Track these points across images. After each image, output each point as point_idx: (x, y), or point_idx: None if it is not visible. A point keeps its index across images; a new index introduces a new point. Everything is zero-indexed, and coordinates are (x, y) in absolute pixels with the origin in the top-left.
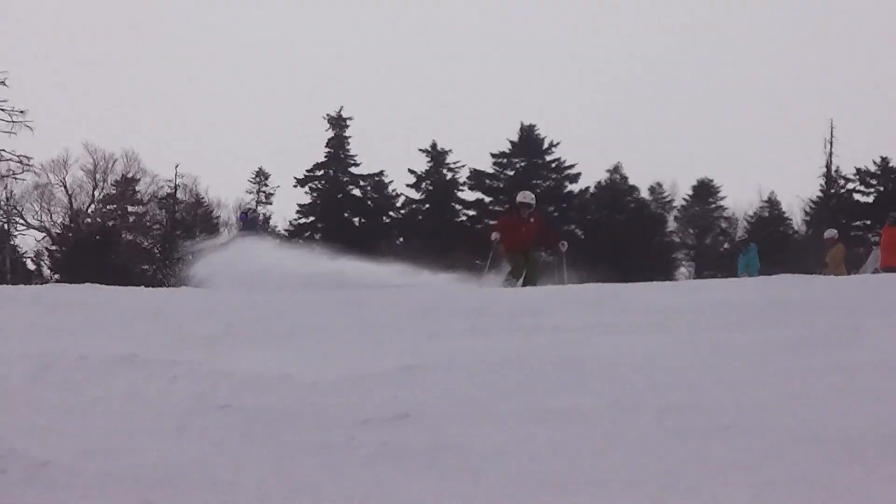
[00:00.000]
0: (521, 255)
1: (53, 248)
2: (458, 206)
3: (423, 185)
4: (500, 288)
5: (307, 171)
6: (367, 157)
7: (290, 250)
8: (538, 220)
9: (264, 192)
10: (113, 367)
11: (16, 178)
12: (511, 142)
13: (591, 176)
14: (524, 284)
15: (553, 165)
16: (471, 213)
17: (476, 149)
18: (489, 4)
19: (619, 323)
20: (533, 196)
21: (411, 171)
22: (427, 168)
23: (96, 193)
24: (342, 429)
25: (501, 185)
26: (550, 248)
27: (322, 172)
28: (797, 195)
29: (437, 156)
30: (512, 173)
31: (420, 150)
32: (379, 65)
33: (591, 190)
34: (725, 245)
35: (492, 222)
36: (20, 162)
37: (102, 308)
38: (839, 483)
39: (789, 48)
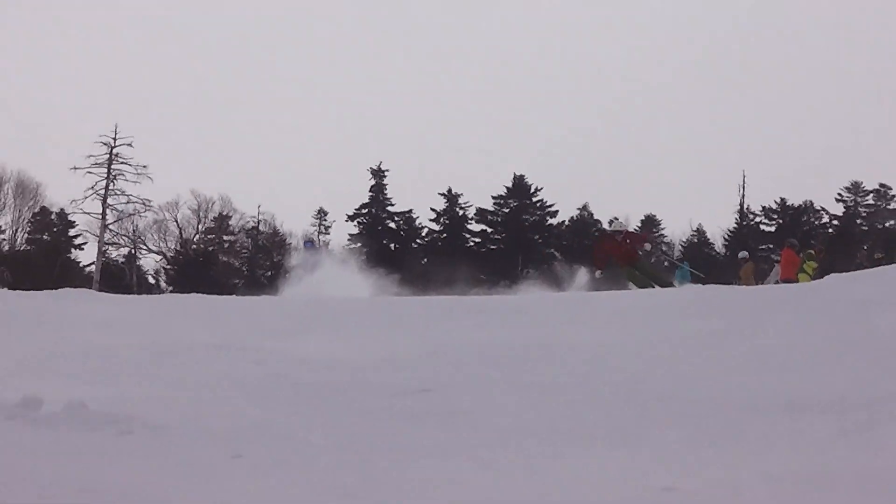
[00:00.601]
0: (628, 267)
1: (168, 267)
2: (467, 235)
3: (442, 219)
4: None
5: (355, 209)
6: (399, 198)
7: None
8: (630, 238)
9: (324, 224)
10: (212, 353)
11: (140, 216)
12: (506, 187)
13: (566, 212)
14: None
15: (538, 204)
16: (477, 240)
17: (481, 192)
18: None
19: (587, 319)
20: (621, 223)
21: (433, 209)
22: (444, 206)
23: (199, 227)
24: (381, 398)
25: (499, 220)
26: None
27: (366, 210)
28: (718, 226)
29: (451, 198)
30: (507, 211)
31: (440, 193)
32: (409, 127)
33: (566, 223)
34: (665, 263)
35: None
36: (143, 203)
37: (204, 310)
38: (745, 435)
39: (712, 114)
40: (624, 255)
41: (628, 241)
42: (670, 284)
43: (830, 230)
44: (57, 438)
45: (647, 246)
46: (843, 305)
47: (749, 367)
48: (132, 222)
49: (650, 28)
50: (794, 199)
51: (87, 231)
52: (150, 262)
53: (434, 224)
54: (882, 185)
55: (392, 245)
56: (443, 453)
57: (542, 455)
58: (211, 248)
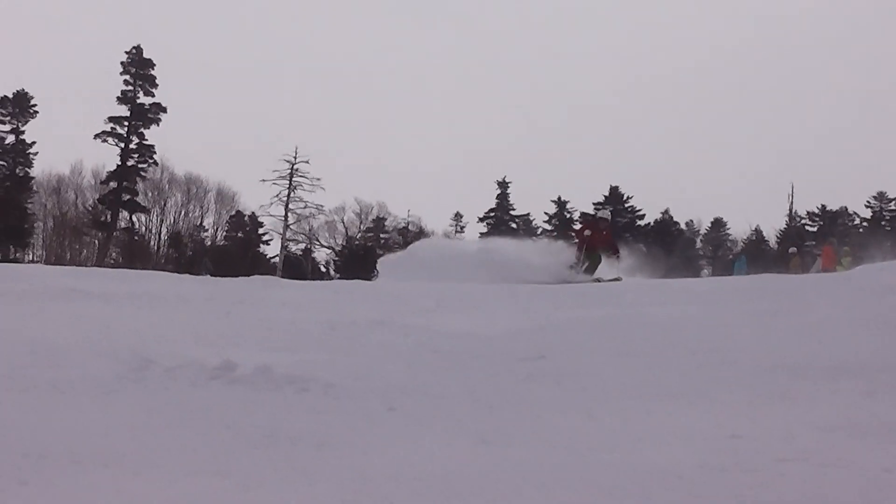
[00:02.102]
0: (594, 253)
1: (336, 259)
2: (573, 234)
3: (553, 221)
4: (581, 275)
5: (485, 213)
6: (519, 204)
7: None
8: (608, 233)
9: (460, 225)
10: (371, 327)
11: (314, 218)
12: (604, 195)
13: (651, 215)
14: (588, 272)
15: (629, 209)
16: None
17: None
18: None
19: (668, 300)
20: (609, 215)
21: (546, 213)
22: (555, 211)
23: (361, 226)
24: (504, 364)
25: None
26: (612, 255)
27: (493, 214)
28: (772, 226)
29: (560, 204)
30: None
31: (551, 200)
32: (528, 144)
33: (651, 224)
34: (730, 256)
35: (578, 227)
36: (317, 208)
37: (365, 293)
38: (794, 394)
39: (766, 132)
40: (602, 243)
41: (605, 233)
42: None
43: (861, 230)
44: (248, 394)
45: (619, 259)
46: (870, 290)
47: (796, 339)
48: (308, 223)
49: (708, 56)
50: (832, 205)
51: (272, 230)
52: (322, 254)
53: (547, 225)
54: None
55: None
56: (555, 408)
57: (635, 410)
58: (370, 244)
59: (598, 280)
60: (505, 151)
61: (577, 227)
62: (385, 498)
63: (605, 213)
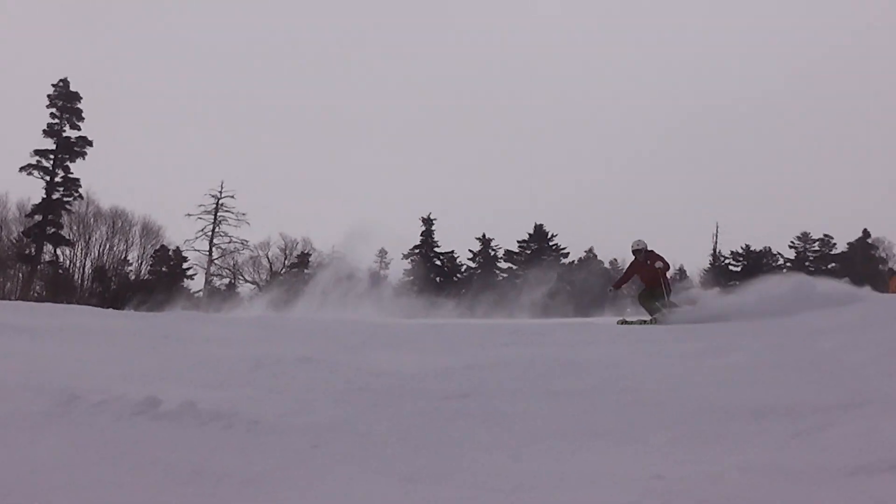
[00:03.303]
0: (649, 292)
1: (260, 293)
2: (497, 272)
3: (477, 258)
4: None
5: (409, 249)
6: (444, 241)
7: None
8: (652, 258)
9: (384, 262)
10: (297, 364)
11: (239, 253)
12: (529, 234)
13: (575, 253)
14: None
15: (553, 248)
16: (505, 275)
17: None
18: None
19: (595, 339)
20: (640, 241)
21: (471, 251)
22: (479, 248)
23: (286, 262)
24: (431, 401)
25: (523, 260)
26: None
27: (418, 251)
28: (696, 266)
29: (486, 241)
30: (529, 252)
31: (476, 238)
32: (453, 182)
33: (575, 262)
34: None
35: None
36: (242, 243)
37: (293, 329)
38: (722, 434)
39: (691, 174)
40: (649, 279)
41: (649, 262)
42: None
43: (784, 271)
44: (173, 430)
45: (660, 265)
46: (793, 330)
47: (722, 379)
48: (233, 258)
49: (638, 96)
50: (756, 246)
51: (196, 264)
52: (245, 289)
53: (471, 262)
54: (826, 235)
55: (437, 279)
56: (481, 447)
57: (561, 449)
58: (294, 280)
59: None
60: (429, 189)
61: (659, 264)
62: None
63: (640, 242)
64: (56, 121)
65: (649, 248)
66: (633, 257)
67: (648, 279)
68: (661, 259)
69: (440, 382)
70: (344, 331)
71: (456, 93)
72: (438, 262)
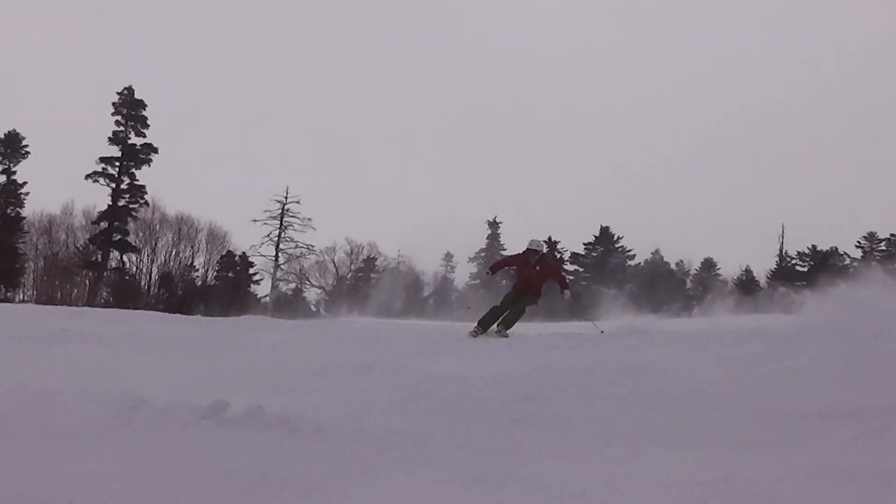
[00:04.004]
0: (516, 293)
1: (326, 298)
2: (564, 274)
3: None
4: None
5: (475, 252)
6: (510, 244)
7: None
8: (544, 267)
9: (450, 265)
10: (362, 370)
11: (305, 258)
12: (595, 236)
13: (641, 256)
14: (508, 313)
15: (619, 250)
16: (571, 278)
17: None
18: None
19: (657, 342)
20: (541, 244)
21: None
22: (546, 250)
23: (352, 266)
24: (496, 406)
25: (589, 262)
26: (560, 291)
27: (483, 254)
28: (763, 267)
29: (552, 244)
30: (595, 254)
31: (543, 241)
32: (518, 186)
33: (641, 264)
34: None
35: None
36: (307, 248)
37: (357, 333)
38: (786, 436)
39: (756, 175)
40: (525, 283)
41: (539, 268)
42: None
43: (851, 270)
44: (239, 436)
45: (567, 294)
46: (861, 333)
47: (784, 382)
48: (299, 263)
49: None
50: (823, 246)
51: (263, 269)
52: (312, 294)
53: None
54: (892, 235)
55: (504, 281)
56: (545, 451)
57: (623, 454)
58: (360, 284)
59: (501, 332)
60: (494, 192)
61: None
62: None
63: (535, 242)
64: (121, 128)
65: (546, 255)
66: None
67: (526, 283)
68: (557, 273)
69: (502, 387)
70: (408, 336)
71: (516, 93)
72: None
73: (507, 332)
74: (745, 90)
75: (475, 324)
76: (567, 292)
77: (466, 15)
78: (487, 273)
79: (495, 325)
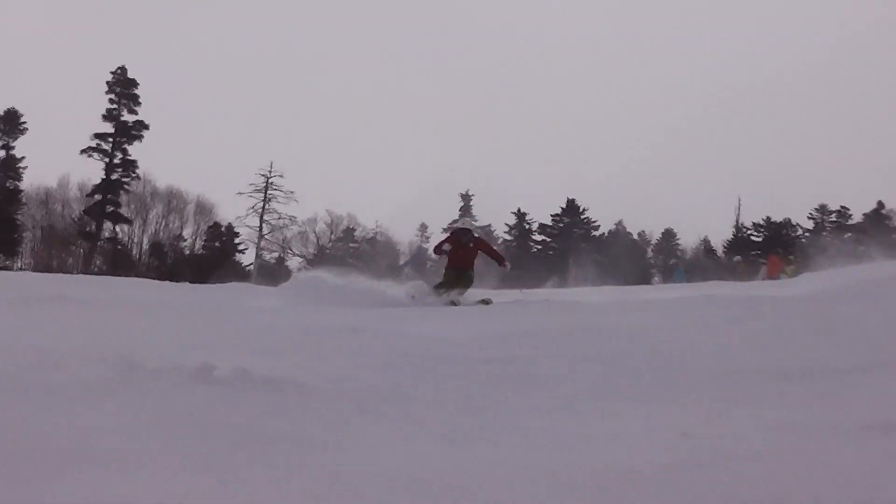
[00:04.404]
0: (456, 271)
1: (307, 266)
2: (532, 244)
3: (513, 231)
4: (432, 296)
5: (448, 224)
6: (481, 215)
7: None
8: (477, 244)
9: (426, 235)
10: (343, 333)
11: (288, 228)
12: (562, 208)
13: (605, 226)
14: (456, 293)
15: (584, 221)
16: (539, 247)
17: (542, 211)
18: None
19: (623, 307)
20: (471, 223)
21: (507, 224)
22: (515, 222)
23: (332, 237)
24: (471, 366)
25: (556, 233)
26: (499, 266)
27: (456, 224)
28: (720, 237)
29: (520, 215)
30: (562, 225)
31: (512, 212)
32: (489, 158)
33: (605, 234)
34: (671, 262)
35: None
36: (290, 219)
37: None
38: (745, 395)
39: (716, 149)
40: (460, 260)
41: (472, 244)
42: (454, 303)
43: (804, 241)
44: (227, 395)
45: (507, 266)
46: (812, 297)
47: (745, 344)
48: (282, 233)
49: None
50: (777, 217)
51: (247, 240)
52: (294, 262)
53: (507, 235)
54: (843, 207)
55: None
56: (518, 409)
57: (593, 411)
58: (340, 254)
59: (453, 303)
60: (468, 165)
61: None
62: (356, 494)
63: (466, 221)
64: (114, 106)
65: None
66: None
67: (460, 260)
68: (491, 250)
69: (480, 349)
70: (386, 302)
71: (491, 73)
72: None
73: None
74: (708, 70)
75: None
76: (507, 265)
77: None
78: (437, 256)
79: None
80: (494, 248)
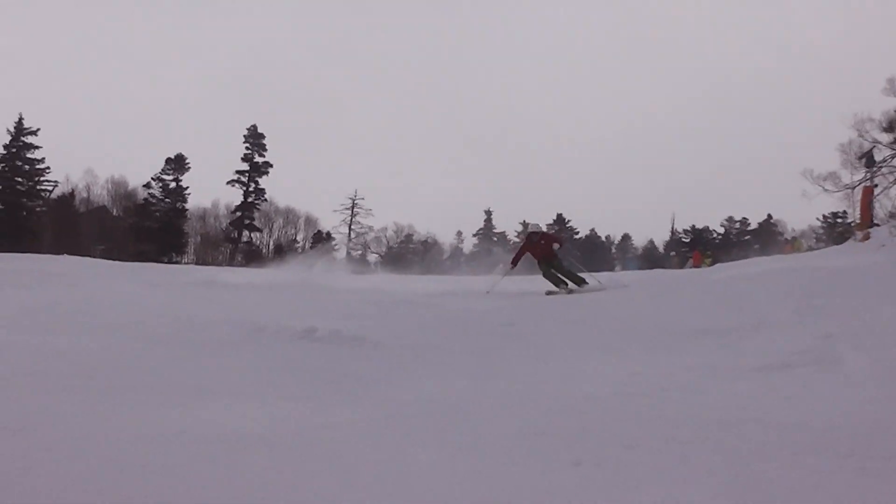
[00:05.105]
0: (545, 263)
1: (381, 261)
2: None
3: (520, 237)
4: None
5: (476, 231)
6: (499, 224)
7: None
8: (544, 237)
9: (461, 239)
10: (401, 305)
11: (368, 234)
12: (553, 219)
13: (583, 232)
14: (560, 276)
15: (569, 228)
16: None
17: (542, 220)
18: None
19: (593, 289)
20: (537, 225)
21: (515, 231)
22: (520, 230)
23: (398, 240)
24: (486, 327)
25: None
26: (559, 247)
27: (482, 232)
28: (661, 238)
29: (525, 225)
30: (554, 231)
31: (519, 222)
32: (507, 176)
33: (583, 237)
34: (629, 255)
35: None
36: (369, 229)
37: (402, 282)
38: (673, 346)
39: (653, 167)
40: (541, 254)
41: (542, 241)
42: (581, 280)
43: (717, 242)
44: (324, 348)
45: (557, 245)
46: (721, 280)
47: (671, 312)
48: (363, 238)
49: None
50: (699, 224)
51: (340, 243)
52: (372, 258)
53: (517, 239)
54: (744, 217)
55: (492, 250)
56: (519, 357)
57: (572, 358)
58: (402, 252)
59: (562, 288)
60: (489, 181)
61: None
62: (409, 414)
63: (534, 226)
64: (249, 151)
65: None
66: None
67: (542, 255)
68: (552, 235)
69: (496, 316)
70: (428, 285)
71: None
72: (494, 238)
73: (570, 286)
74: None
75: (557, 288)
76: (556, 245)
77: None
78: (511, 268)
79: (565, 287)
80: (553, 235)
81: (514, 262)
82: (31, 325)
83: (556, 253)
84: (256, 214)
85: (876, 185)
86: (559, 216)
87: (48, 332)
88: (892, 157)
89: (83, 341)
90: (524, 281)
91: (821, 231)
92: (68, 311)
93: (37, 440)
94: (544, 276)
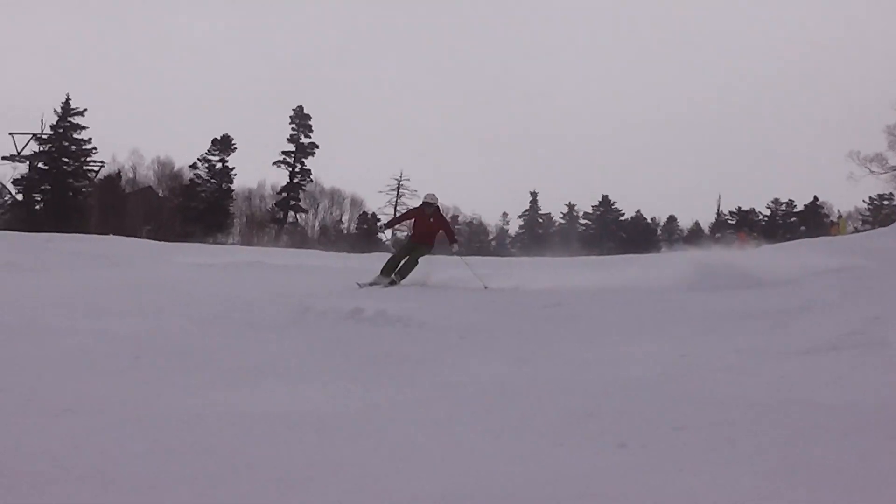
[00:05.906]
0: (415, 242)
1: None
2: (580, 227)
3: (565, 218)
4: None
5: (522, 212)
6: (544, 206)
7: None
8: (437, 219)
9: (507, 220)
10: (445, 288)
11: None
12: (598, 201)
13: (629, 214)
14: (403, 264)
15: (615, 209)
16: (583, 228)
17: (586, 202)
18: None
19: (640, 270)
20: (435, 197)
21: (561, 213)
22: (566, 211)
23: None
24: (533, 309)
25: (594, 217)
26: (449, 243)
27: (527, 213)
28: (706, 220)
29: (570, 206)
30: (598, 213)
31: (564, 204)
32: (555, 156)
33: (629, 219)
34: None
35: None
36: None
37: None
38: (720, 329)
39: (700, 153)
40: (421, 233)
41: (433, 220)
42: (404, 276)
43: (763, 223)
44: (371, 329)
45: (455, 247)
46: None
47: (720, 295)
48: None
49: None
50: (745, 206)
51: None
52: None
53: (562, 220)
54: (790, 199)
55: (539, 231)
56: (564, 338)
57: (618, 340)
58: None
59: (392, 282)
60: (534, 161)
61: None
62: (456, 394)
63: (430, 196)
64: (295, 132)
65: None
66: None
67: (422, 234)
68: (448, 226)
69: (537, 298)
70: (476, 265)
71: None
72: (540, 220)
73: (402, 281)
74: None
75: (380, 275)
76: (455, 245)
77: None
78: (381, 230)
79: (392, 274)
80: (450, 226)
81: (390, 225)
82: (82, 306)
83: (431, 246)
84: (302, 195)
85: None
86: (605, 198)
87: (99, 315)
88: None
89: (132, 323)
90: (569, 264)
91: (867, 213)
92: (118, 292)
93: (88, 421)
94: (395, 254)
